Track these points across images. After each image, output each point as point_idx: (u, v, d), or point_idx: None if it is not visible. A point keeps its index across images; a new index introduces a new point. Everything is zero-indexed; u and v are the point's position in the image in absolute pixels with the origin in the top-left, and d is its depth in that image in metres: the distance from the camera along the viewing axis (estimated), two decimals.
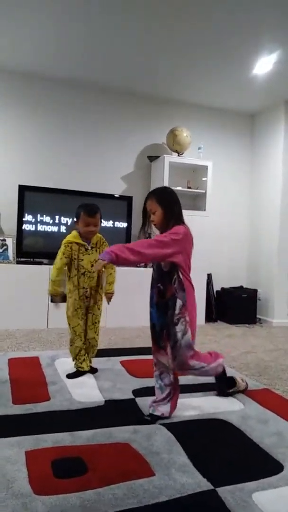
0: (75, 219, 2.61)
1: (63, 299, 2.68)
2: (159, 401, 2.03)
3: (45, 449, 1.67)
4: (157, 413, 2.00)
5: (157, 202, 2.00)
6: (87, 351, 2.67)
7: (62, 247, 2.57)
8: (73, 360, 2.63)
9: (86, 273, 2.58)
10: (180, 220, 2.02)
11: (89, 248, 2.59)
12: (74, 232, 2.62)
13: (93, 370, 2.67)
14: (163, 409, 2.01)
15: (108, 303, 2.67)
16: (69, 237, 2.60)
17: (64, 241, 2.59)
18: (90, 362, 2.71)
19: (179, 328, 1.94)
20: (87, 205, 2.57)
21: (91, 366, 2.69)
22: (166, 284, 1.98)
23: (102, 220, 3.88)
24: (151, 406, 2.04)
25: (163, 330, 2.01)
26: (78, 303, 2.58)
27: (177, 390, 2.07)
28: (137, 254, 1.80)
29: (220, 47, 3.55)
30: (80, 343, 2.60)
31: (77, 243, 2.56)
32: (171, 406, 2.03)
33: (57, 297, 2.60)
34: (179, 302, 1.95)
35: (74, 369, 2.66)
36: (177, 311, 1.94)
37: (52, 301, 2.57)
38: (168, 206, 2.00)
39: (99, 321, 2.69)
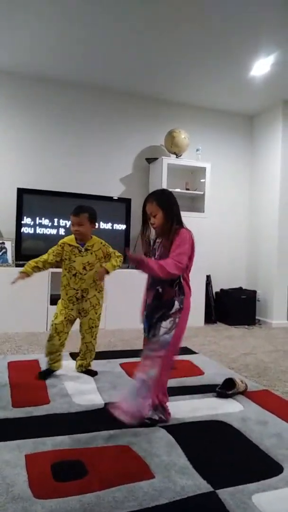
0: None
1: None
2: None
3: (45, 453, 1.67)
4: (155, 417, 1.99)
5: (157, 204, 2.01)
6: (84, 355, 2.68)
7: (55, 246, 2.63)
8: (46, 356, 2.60)
9: (78, 274, 2.58)
10: (180, 222, 2.04)
11: (83, 250, 2.59)
12: (71, 235, 2.64)
13: (92, 373, 2.67)
14: (161, 413, 2.01)
15: (96, 280, 2.60)
16: (65, 238, 2.65)
17: (60, 241, 2.65)
18: (90, 365, 2.71)
19: (164, 325, 1.95)
20: (77, 206, 2.60)
21: (90, 369, 2.70)
22: (166, 288, 1.99)
23: (100, 222, 3.88)
24: (149, 409, 2.04)
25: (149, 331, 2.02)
26: (66, 303, 2.59)
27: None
28: (162, 268, 1.85)
29: (218, 49, 3.56)
30: (58, 342, 2.56)
31: (70, 245, 2.58)
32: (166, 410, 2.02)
33: (21, 276, 2.50)
34: (176, 305, 1.96)
35: (75, 372, 2.68)
36: (171, 311, 1.96)
37: (17, 278, 2.50)
38: (168, 208, 2.01)
39: (96, 326, 2.67)
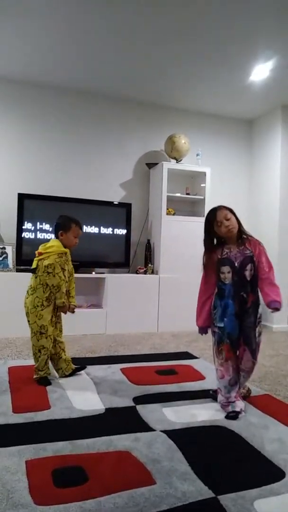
0: (60, 230, 2.63)
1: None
2: (234, 399, 2.17)
3: (46, 458, 1.66)
4: (237, 409, 2.14)
5: (227, 209, 2.20)
6: (60, 356, 2.70)
7: (57, 258, 2.55)
8: (41, 369, 2.59)
9: (67, 282, 2.66)
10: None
11: (69, 258, 2.68)
12: (57, 242, 2.63)
13: (80, 368, 2.76)
14: (241, 404, 2.18)
15: (65, 313, 2.70)
16: (59, 247, 2.60)
17: (56, 251, 2.57)
18: (71, 360, 2.76)
19: (257, 331, 2.21)
20: (74, 218, 2.68)
21: (76, 366, 2.76)
22: (249, 293, 2.16)
23: (101, 226, 3.95)
24: (228, 405, 2.16)
25: (239, 337, 2.20)
26: (54, 312, 2.63)
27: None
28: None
29: (217, 55, 3.58)
30: (53, 350, 2.66)
31: (65, 253, 2.64)
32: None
33: (67, 306, 2.64)
34: (260, 309, 2.21)
35: (75, 377, 2.69)
36: (258, 316, 2.20)
37: (64, 311, 2.66)
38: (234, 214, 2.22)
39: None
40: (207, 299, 2.28)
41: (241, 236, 2.21)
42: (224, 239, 2.23)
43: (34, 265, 2.60)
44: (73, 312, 2.68)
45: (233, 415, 2.11)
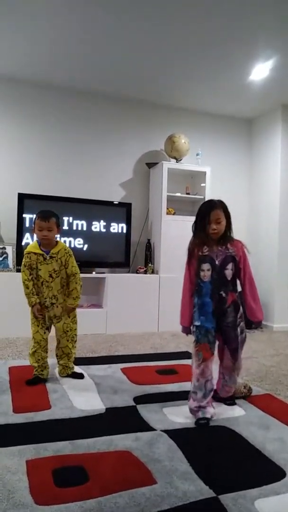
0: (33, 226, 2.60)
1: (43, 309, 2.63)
2: (205, 405, 2.08)
3: (46, 458, 1.66)
4: (208, 415, 2.06)
5: (223, 212, 2.16)
6: (61, 358, 2.68)
7: (23, 259, 2.57)
8: (34, 365, 2.60)
9: (45, 282, 2.57)
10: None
11: (47, 257, 2.56)
12: (34, 242, 2.62)
13: (78, 376, 2.68)
14: (212, 411, 2.09)
15: (68, 315, 2.65)
16: (28, 247, 2.60)
17: (25, 251, 2.60)
18: (73, 368, 2.72)
19: (239, 329, 2.18)
20: (42, 210, 2.58)
21: (75, 372, 2.71)
22: (228, 292, 2.13)
23: (101, 226, 3.85)
24: (198, 411, 2.07)
25: (219, 338, 2.19)
26: (42, 309, 2.60)
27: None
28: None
29: (217, 54, 3.58)
30: (41, 351, 2.60)
31: (34, 253, 2.55)
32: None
33: (35, 307, 2.57)
34: (241, 309, 2.18)
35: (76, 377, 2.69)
36: (238, 315, 2.17)
37: (35, 316, 2.60)
38: (229, 217, 2.20)
39: (72, 329, 2.68)
40: (191, 297, 2.19)
41: (224, 237, 2.17)
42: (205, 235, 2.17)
43: None
44: (67, 312, 2.63)
45: (204, 422, 2.02)
